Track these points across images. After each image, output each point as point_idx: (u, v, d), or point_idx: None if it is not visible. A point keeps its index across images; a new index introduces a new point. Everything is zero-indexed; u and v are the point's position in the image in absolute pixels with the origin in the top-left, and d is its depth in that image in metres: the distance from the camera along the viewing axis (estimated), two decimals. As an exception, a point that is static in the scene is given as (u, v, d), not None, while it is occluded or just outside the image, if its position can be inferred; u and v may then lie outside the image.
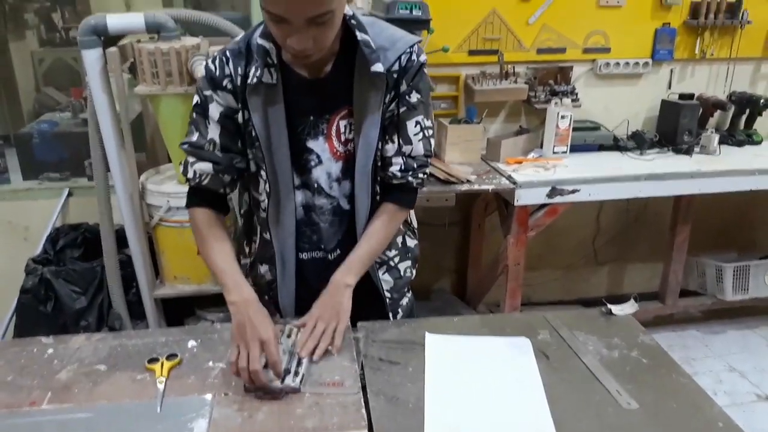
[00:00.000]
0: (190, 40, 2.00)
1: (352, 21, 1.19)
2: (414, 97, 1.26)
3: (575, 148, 2.64)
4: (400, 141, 1.28)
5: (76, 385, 1.13)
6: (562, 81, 2.72)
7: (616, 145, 2.75)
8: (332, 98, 1.24)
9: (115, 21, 1.94)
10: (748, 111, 2.92)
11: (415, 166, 1.31)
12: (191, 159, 1.26)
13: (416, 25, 2.07)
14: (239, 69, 1.19)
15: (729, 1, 2.76)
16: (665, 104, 2.86)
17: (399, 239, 1.44)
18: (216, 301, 2.33)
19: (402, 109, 1.26)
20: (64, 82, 3.23)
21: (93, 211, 2.24)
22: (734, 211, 3.19)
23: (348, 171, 1.29)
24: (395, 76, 1.22)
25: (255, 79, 1.16)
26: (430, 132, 1.31)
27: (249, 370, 1.09)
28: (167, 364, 1.18)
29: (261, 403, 1.09)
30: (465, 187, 2.27)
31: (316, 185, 1.30)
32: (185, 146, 1.26)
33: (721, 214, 3.15)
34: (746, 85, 2.99)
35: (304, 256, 1.37)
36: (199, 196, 1.30)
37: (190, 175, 1.27)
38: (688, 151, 2.72)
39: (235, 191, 1.38)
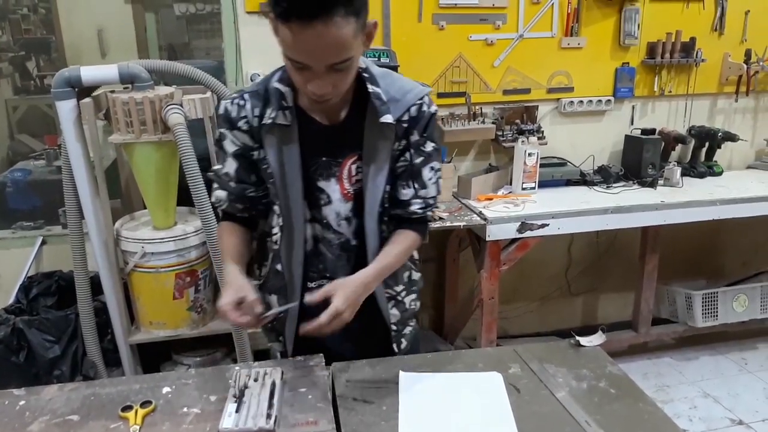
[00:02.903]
0: (163, 90, 2.04)
1: (365, 74, 1.25)
2: (429, 147, 1.34)
3: (543, 184, 2.72)
4: (416, 186, 1.36)
5: (48, 436, 1.13)
6: (528, 120, 2.81)
7: (582, 180, 2.83)
8: (344, 143, 1.31)
9: (88, 73, 1.97)
10: (707, 144, 3.04)
11: (431, 203, 1.40)
12: (215, 185, 1.39)
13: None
14: (256, 110, 1.27)
15: (683, 41, 2.89)
16: (628, 139, 2.96)
17: (405, 274, 1.48)
18: (193, 346, 2.32)
19: (419, 159, 1.33)
20: (38, 130, 3.25)
21: (67, 258, 2.23)
22: (700, 240, 3.28)
23: (357, 210, 1.36)
24: (405, 126, 1.30)
25: (270, 120, 1.24)
26: (440, 174, 1.40)
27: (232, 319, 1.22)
28: (141, 412, 1.18)
29: (236, 447, 1.10)
30: (438, 224, 2.32)
31: (325, 221, 1.36)
32: (211, 174, 1.41)
33: (688, 243, 3.23)
34: (704, 119, 3.11)
35: (312, 285, 1.41)
36: (224, 214, 1.43)
37: (213, 199, 1.41)
38: (653, 184, 2.82)
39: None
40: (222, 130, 1.32)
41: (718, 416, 2.62)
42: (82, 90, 2.02)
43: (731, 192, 2.74)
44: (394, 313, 1.47)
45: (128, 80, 2.01)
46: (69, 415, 1.19)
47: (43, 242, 2.56)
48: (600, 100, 2.92)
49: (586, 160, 2.94)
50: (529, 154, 2.64)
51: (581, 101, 2.90)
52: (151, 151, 2.02)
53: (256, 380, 1.28)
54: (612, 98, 2.94)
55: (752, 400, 2.74)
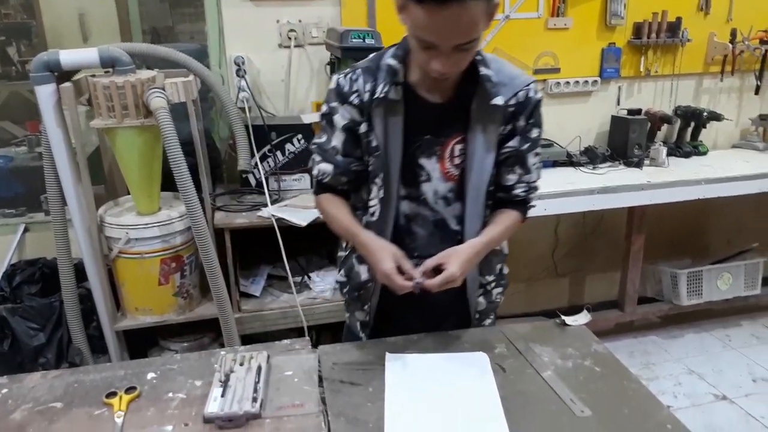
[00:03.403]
0: (145, 73, 2.01)
1: (478, 56, 1.26)
2: (534, 133, 1.35)
3: (530, 165, 2.71)
4: (521, 171, 1.38)
5: (31, 425, 1.12)
6: (514, 100, 2.80)
7: (569, 161, 2.84)
8: (450, 123, 1.32)
9: (68, 57, 1.93)
10: (693, 124, 3.05)
11: (534, 187, 1.42)
12: (317, 158, 1.39)
13: (369, 53, 2.10)
14: (367, 85, 1.29)
15: (669, 21, 2.89)
16: (615, 120, 2.97)
17: (498, 266, 1.50)
18: (180, 331, 2.31)
19: (525, 146, 1.35)
20: (20, 116, 3.19)
21: (50, 245, 2.20)
22: (686, 219, 3.30)
23: (458, 193, 1.37)
24: (512, 110, 1.30)
25: (382, 94, 1.26)
26: (541, 158, 1.42)
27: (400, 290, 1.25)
28: (126, 398, 1.17)
29: (220, 431, 1.10)
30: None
31: (422, 197, 1.38)
32: (314, 146, 1.41)
33: (674, 222, 3.26)
34: (690, 99, 3.12)
35: None
36: (322, 187, 1.43)
37: (314, 172, 1.41)
38: (639, 164, 2.82)
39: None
40: (332, 104, 1.34)
41: (702, 392, 2.66)
42: (62, 74, 1.98)
43: (716, 171, 2.76)
44: (480, 302, 1.48)
45: (109, 64, 1.97)
46: (52, 402, 1.18)
47: (26, 229, 2.53)
48: (587, 81, 2.92)
49: (572, 141, 2.95)
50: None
51: (568, 82, 2.89)
52: (133, 136, 1.99)
53: (241, 364, 1.27)
54: (598, 79, 2.93)
55: (735, 375, 2.78)
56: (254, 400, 1.15)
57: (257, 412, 1.13)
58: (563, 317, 1.49)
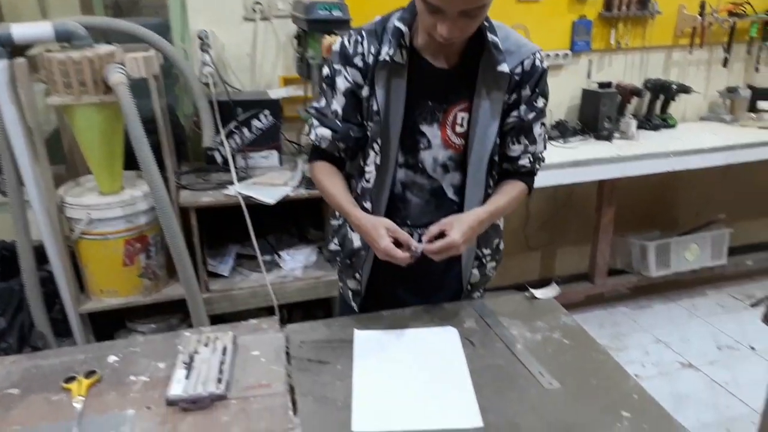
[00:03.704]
0: (103, 48, 1.93)
1: (485, 23, 1.24)
2: (540, 102, 1.33)
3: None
4: (526, 142, 1.36)
5: (-14, 411, 1.08)
6: (485, 74, 2.77)
7: (540, 135, 2.82)
8: (454, 90, 1.29)
9: (20, 31, 1.84)
10: (662, 97, 3.07)
11: (540, 157, 1.40)
12: (315, 122, 1.36)
13: (336, 25, 2.06)
14: (372, 48, 1.26)
15: (639, -8, 2.88)
16: (586, 93, 2.97)
17: (495, 240, 1.49)
18: (147, 313, 2.27)
19: (531, 115, 1.33)
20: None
21: (9, 227, 2.13)
22: (655, 192, 3.34)
23: (457, 162, 1.35)
24: (517, 78, 1.28)
25: (387, 57, 1.23)
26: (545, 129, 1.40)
27: (399, 258, 1.22)
28: (85, 383, 1.14)
29: (185, 414, 1.07)
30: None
31: (420, 165, 1.35)
32: (312, 110, 1.37)
33: (643, 195, 3.29)
34: (659, 72, 3.13)
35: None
36: (318, 153, 1.40)
37: (312, 136, 1.37)
38: (609, 137, 2.83)
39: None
40: (336, 66, 1.31)
41: (669, 360, 2.71)
42: (15, 50, 1.89)
43: (685, 144, 2.78)
44: (474, 274, 1.47)
45: (65, 38, 1.89)
46: (9, 388, 1.14)
47: (-16, 211, 2.45)
48: (557, 54, 2.90)
49: (543, 115, 2.93)
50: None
51: (538, 55, 2.86)
52: (92, 114, 1.92)
53: (206, 345, 1.25)
54: (569, 52, 2.92)
55: (701, 344, 2.85)
56: (219, 381, 1.13)
57: (222, 393, 1.11)
58: (532, 291, 1.49)
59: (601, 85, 2.92)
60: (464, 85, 1.28)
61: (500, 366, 1.22)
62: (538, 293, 1.49)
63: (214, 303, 2.20)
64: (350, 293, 1.52)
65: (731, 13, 3.04)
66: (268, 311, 2.23)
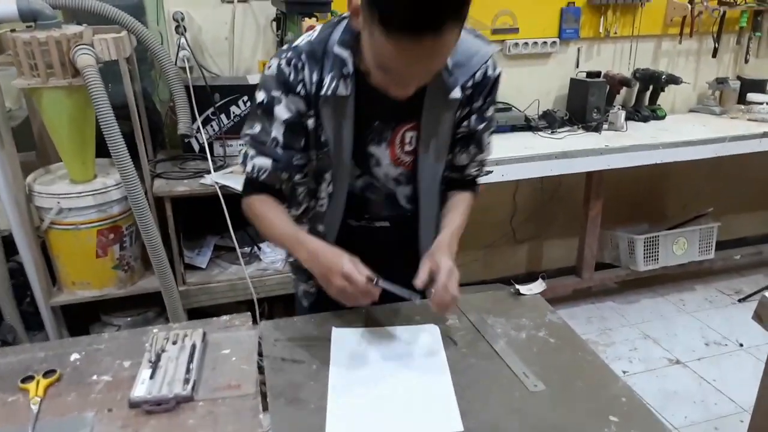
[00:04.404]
0: (71, 29, 1.84)
1: None
2: (490, 111, 1.28)
3: (488, 130, 2.64)
4: (476, 150, 1.32)
5: (-66, 414, 1.01)
6: (472, 62, 2.71)
7: (527, 125, 2.77)
8: (401, 110, 1.20)
9: (-18, 9, 1.76)
10: (651, 87, 3.02)
11: (485, 163, 1.36)
12: (251, 152, 1.23)
13: (316, 7, 1.99)
14: (314, 75, 1.15)
15: (629, -21, 2.82)
16: (574, 83, 2.91)
17: None
18: (123, 306, 2.20)
19: (481, 126, 1.28)
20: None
21: (-24, 217, 2.05)
22: (643, 185, 3.30)
23: (408, 177, 1.30)
24: (468, 93, 1.22)
25: (330, 92, 1.14)
26: (496, 128, 1.36)
27: (361, 296, 1.10)
28: (43, 382, 1.07)
29: (149, 417, 1.01)
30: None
31: (375, 177, 1.30)
32: (246, 138, 1.24)
33: (632, 188, 3.25)
34: (649, 61, 3.08)
35: (351, 222, 1.35)
36: (255, 186, 1.26)
37: (248, 168, 1.24)
38: (597, 128, 2.78)
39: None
40: (275, 94, 1.17)
41: (656, 357, 2.68)
42: (-22, 29, 1.81)
43: (674, 135, 2.74)
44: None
45: (30, 17, 1.80)
46: (-40, 389, 1.07)
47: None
48: (545, 42, 2.84)
49: (531, 105, 2.88)
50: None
51: (526, 43, 2.81)
52: (61, 97, 1.84)
53: (174, 343, 1.18)
54: (557, 40, 2.86)
55: (689, 339, 2.82)
56: (186, 381, 1.07)
57: (189, 395, 1.04)
58: (517, 286, 1.44)
59: (590, 74, 2.86)
60: (412, 105, 1.18)
61: (483, 366, 1.16)
62: (524, 289, 1.43)
63: (192, 296, 2.13)
64: (301, 291, 1.47)
65: (721, 2, 2.99)
66: (247, 305, 2.16)
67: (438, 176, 1.30)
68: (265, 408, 1.05)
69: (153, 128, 2.28)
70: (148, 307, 2.20)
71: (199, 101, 2.16)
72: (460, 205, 1.34)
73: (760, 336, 2.72)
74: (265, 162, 1.22)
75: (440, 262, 1.15)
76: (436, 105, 1.19)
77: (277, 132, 1.20)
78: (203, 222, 2.29)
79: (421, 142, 1.24)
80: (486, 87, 1.22)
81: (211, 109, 2.21)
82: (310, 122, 1.20)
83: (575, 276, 3.05)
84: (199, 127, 2.17)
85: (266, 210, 1.25)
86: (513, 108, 2.80)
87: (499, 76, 1.24)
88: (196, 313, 2.10)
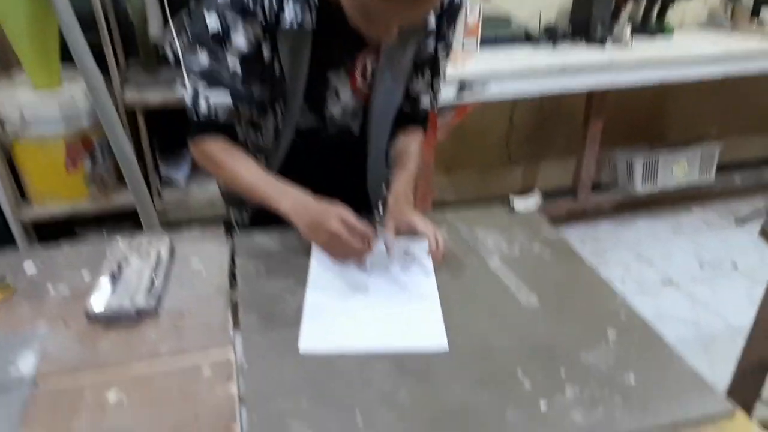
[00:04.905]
0: None
1: None
2: (452, 37, 1.22)
3: (486, 43, 2.47)
4: (431, 74, 1.25)
5: None
6: (470, -31, 2.51)
7: (528, 39, 2.60)
8: (363, 38, 1.09)
9: None
10: (660, 1, 2.82)
11: (439, 90, 1.29)
12: (203, 89, 1.06)
13: None
14: (274, 1, 1.02)
15: None
16: (578, -7, 2.71)
17: None
18: (100, 223, 2.10)
19: (443, 52, 1.23)
20: None
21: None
22: (645, 104, 3.16)
23: (364, 110, 1.23)
24: (436, 19, 1.16)
25: (293, 23, 1.03)
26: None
27: (357, 244, 1.01)
28: (-7, 294, 0.99)
29: (107, 330, 0.93)
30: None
31: (328, 118, 1.21)
32: (194, 73, 1.05)
33: (633, 107, 3.11)
34: (659, -29, 2.87)
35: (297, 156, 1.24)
36: (209, 127, 1.10)
37: (202, 108, 1.07)
38: (601, 42, 2.62)
39: None
40: (230, 18, 1.01)
41: (650, 278, 2.64)
42: None
43: (682, 52, 2.58)
44: (383, 197, 1.32)
45: None
46: None
47: None
48: (549, -53, 2.63)
49: (532, 18, 2.69)
50: (470, 10, 2.37)
51: (529, -52, 2.60)
52: (17, -6, 1.67)
53: (139, 254, 1.09)
54: (563, -55, 2.65)
55: (683, 261, 2.77)
56: (149, 293, 0.98)
57: (152, 308, 0.96)
58: (512, 200, 1.34)
59: (596, -15, 2.66)
60: None
61: (473, 281, 1.08)
62: (519, 204, 1.34)
63: (169, 212, 2.04)
64: (234, 221, 1.38)
65: None
66: (227, 224, 2.07)
67: (394, 105, 1.22)
68: (237, 324, 0.97)
69: (126, 36, 2.11)
70: (124, 223, 2.11)
71: (172, 4, 1.98)
72: (411, 145, 1.26)
73: (757, 258, 2.69)
74: (223, 99, 1.06)
75: (415, 222, 1.10)
76: (402, 32, 1.06)
77: (233, 62, 1.04)
78: (182, 137, 2.16)
79: (381, 69, 1.15)
80: (452, 14, 1.17)
81: (186, 10, 2.03)
82: (266, 52, 1.06)
83: (571, 197, 2.96)
84: (172, 32, 2.00)
85: (229, 158, 1.10)
86: (513, 20, 2.62)
87: (462, 2, 1.18)
88: (174, 230, 2.01)
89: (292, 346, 0.90)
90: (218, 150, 1.11)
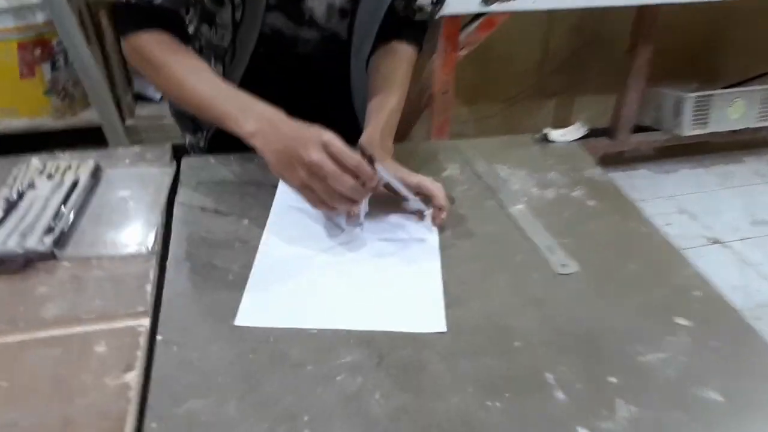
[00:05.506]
0: None
1: None
2: None
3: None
4: None
5: None
6: None
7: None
8: None
9: None
10: None
11: None
12: None
13: None
14: None
15: None
16: None
17: None
18: (66, 140, 1.85)
19: None
20: None
21: None
22: (699, 33, 2.77)
23: (353, 11, 0.93)
24: None
25: None
26: None
27: (345, 193, 0.71)
28: None
29: (-22, 281, 0.68)
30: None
31: (307, 17, 0.92)
32: None
33: (685, 36, 2.73)
34: None
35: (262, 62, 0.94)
36: (142, 15, 0.83)
37: None
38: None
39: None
40: None
41: (693, 234, 2.37)
42: None
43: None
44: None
45: None
46: None
47: None
48: None
49: None
50: None
51: None
52: None
53: (50, 177, 0.83)
54: None
55: (731, 218, 2.48)
56: (49, 232, 0.73)
57: (47, 251, 0.71)
58: (545, 130, 1.05)
59: None
60: None
61: (490, 236, 0.80)
62: (555, 134, 1.05)
63: (142, 131, 1.77)
64: (188, 143, 1.10)
65: None
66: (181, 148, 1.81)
67: (383, 3, 0.90)
68: (162, 280, 0.71)
69: None
70: (94, 143, 1.85)
71: None
72: (397, 70, 0.96)
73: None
74: None
75: (403, 176, 0.80)
76: None
77: None
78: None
79: None
80: None
81: None
82: None
83: (607, 138, 2.64)
84: None
85: (171, 58, 0.82)
86: None
87: None
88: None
89: (230, 319, 0.64)
90: (156, 47, 0.83)
